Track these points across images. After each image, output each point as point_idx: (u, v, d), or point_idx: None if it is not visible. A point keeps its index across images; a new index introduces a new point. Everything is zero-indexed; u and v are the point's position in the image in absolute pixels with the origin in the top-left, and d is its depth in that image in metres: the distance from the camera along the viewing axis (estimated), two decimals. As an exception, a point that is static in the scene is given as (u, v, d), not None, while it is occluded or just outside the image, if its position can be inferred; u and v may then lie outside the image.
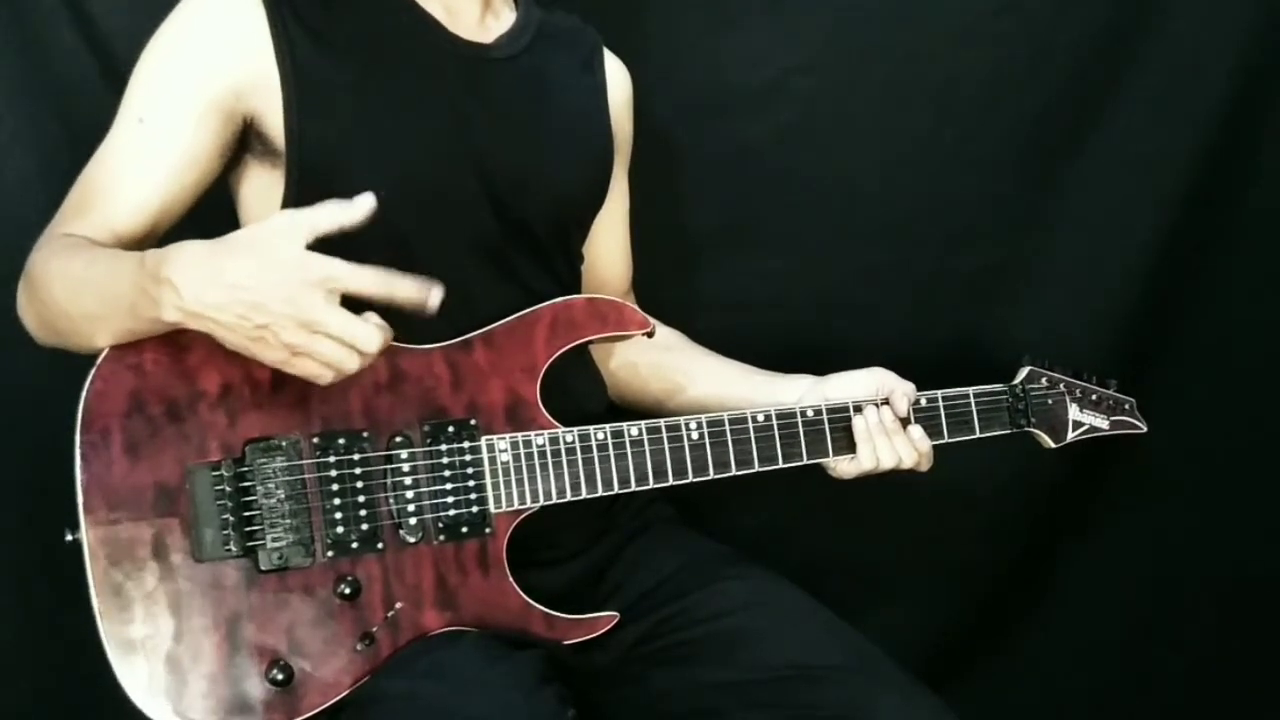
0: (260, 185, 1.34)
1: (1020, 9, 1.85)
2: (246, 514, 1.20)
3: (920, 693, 1.34)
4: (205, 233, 1.47)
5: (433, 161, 1.34)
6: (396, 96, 1.35)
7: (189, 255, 1.13)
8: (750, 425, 1.41)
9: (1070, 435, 1.63)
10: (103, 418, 1.17)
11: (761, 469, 1.42)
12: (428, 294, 1.13)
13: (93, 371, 1.18)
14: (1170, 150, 1.93)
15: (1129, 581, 2.11)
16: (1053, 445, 1.63)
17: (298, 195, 1.30)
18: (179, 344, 1.20)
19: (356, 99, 1.32)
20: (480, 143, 1.37)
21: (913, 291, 1.93)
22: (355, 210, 1.12)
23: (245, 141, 1.33)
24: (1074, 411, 1.64)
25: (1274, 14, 1.89)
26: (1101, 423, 1.67)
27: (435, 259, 1.33)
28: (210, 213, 1.38)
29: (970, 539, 2.04)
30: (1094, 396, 1.66)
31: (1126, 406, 1.70)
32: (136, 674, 1.14)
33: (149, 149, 1.30)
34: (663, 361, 1.59)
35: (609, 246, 1.61)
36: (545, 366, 1.34)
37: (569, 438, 1.33)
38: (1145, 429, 1.71)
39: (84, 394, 1.17)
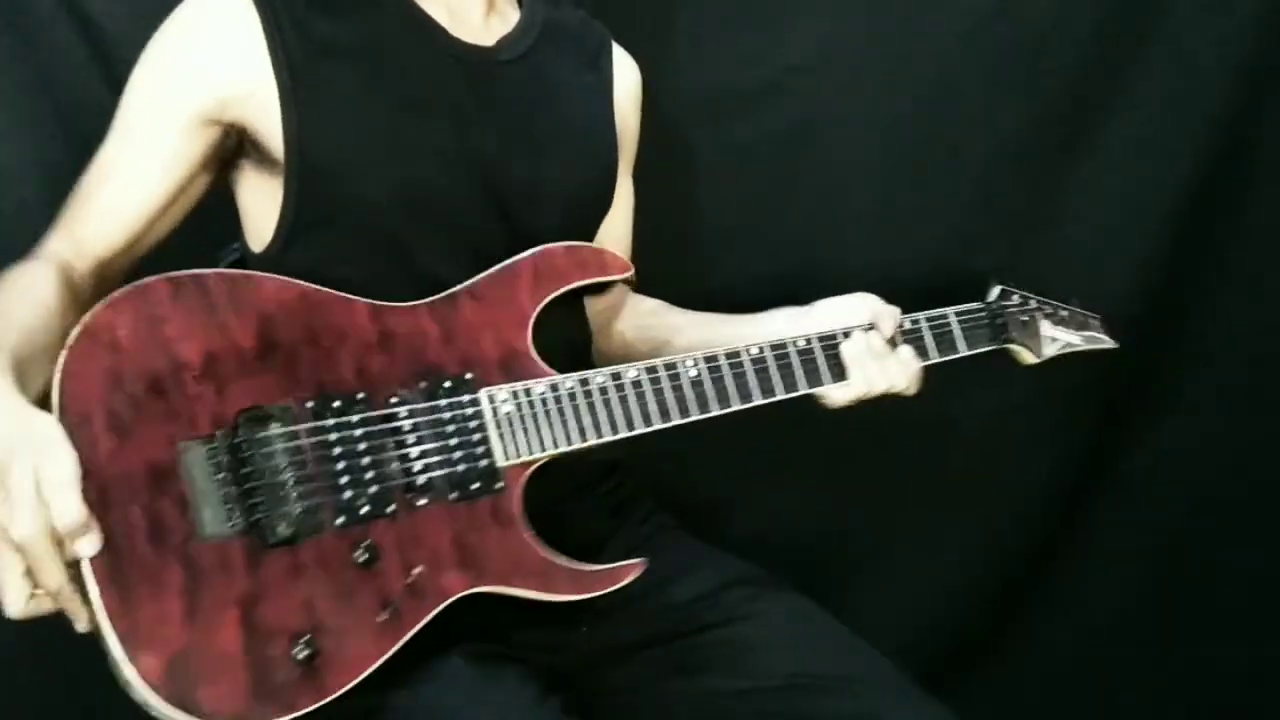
0: (260, 193, 1.31)
1: (1021, 9, 1.84)
2: (247, 486, 1.12)
3: (930, 703, 1.33)
4: (207, 237, 1.41)
5: (434, 169, 1.31)
6: (398, 103, 1.31)
7: None
8: (745, 358, 1.38)
9: (1048, 350, 1.63)
10: (79, 401, 1.07)
11: (763, 401, 1.38)
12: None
13: (63, 353, 1.08)
14: (1172, 149, 1.91)
15: (1131, 577, 2.13)
16: (1034, 361, 1.62)
17: (298, 204, 1.27)
18: (154, 316, 1.12)
19: (357, 106, 1.28)
20: (483, 149, 1.34)
21: (917, 292, 1.88)
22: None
23: (241, 149, 1.29)
24: (1046, 328, 1.64)
25: (1274, 13, 1.87)
26: (1075, 338, 1.67)
27: (436, 266, 1.30)
28: (213, 216, 1.35)
29: (972, 541, 2.05)
30: (1063, 313, 1.67)
31: (1093, 322, 1.71)
32: (147, 667, 1.04)
33: (130, 159, 1.28)
34: (649, 324, 1.58)
35: (614, 246, 1.53)
36: (534, 315, 1.30)
37: (568, 384, 1.28)
38: (1116, 345, 1.71)
39: (56, 377, 1.07)
